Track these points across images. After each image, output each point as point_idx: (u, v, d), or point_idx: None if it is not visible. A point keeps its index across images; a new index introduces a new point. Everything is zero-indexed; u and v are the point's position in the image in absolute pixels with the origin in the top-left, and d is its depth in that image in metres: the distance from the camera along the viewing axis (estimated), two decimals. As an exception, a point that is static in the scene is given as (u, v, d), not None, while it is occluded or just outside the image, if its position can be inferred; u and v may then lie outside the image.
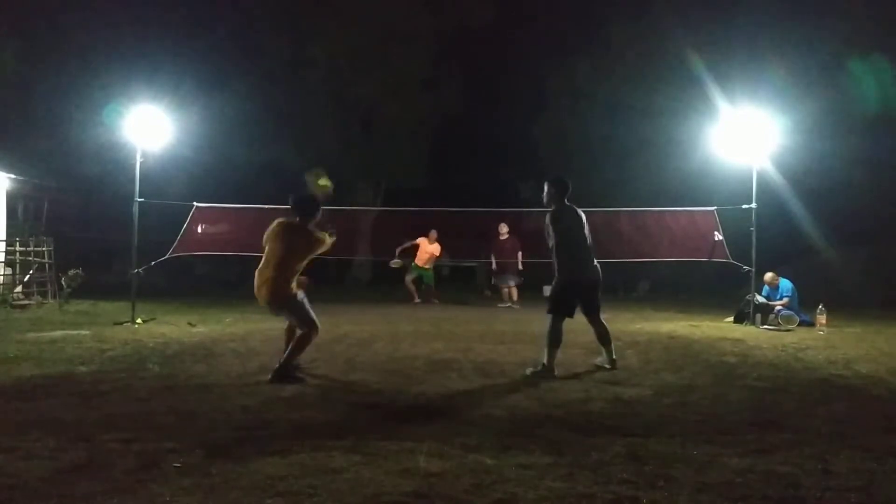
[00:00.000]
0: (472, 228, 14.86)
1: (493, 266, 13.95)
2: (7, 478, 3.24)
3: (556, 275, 6.28)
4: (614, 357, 6.38)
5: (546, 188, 6.41)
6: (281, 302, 5.79)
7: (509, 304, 13.59)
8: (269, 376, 5.62)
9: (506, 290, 13.88)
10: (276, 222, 5.96)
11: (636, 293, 17.31)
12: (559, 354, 6.11)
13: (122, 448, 3.70)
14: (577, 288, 6.24)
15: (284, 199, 6.15)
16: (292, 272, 5.76)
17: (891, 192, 15.42)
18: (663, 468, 3.43)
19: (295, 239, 5.79)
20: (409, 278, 14.23)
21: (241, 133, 17.89)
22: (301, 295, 5.85)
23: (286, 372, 5.65)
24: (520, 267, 13.62)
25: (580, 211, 6.37)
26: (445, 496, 3.07)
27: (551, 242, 6.25)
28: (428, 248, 14.05)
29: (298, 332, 5.84)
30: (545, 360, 6.03)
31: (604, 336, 6.38)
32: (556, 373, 5.97)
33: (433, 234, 14.06)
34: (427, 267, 14.18)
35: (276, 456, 3.57)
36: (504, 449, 3.74)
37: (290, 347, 5.80)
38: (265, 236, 5.90)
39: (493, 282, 14.89)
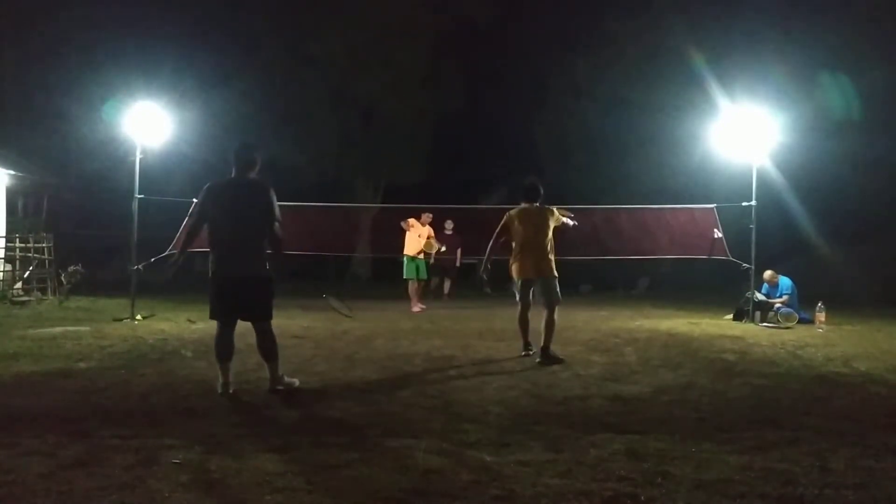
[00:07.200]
0: (472, 225, 14.83)
1: (431, 260, 13.39)
2: (6, 474, 3.24)
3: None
4: (280, 374, 5.14)
5: None
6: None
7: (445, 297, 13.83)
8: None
9: (445, 282, 14.09)
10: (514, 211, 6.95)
11: (636, 290, 17.26)
12: (225, 367, 5.03)
13: (121, 444, 3.71)
14: (220, 286, 5.08)
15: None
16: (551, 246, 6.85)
17: (890, 191, 15.42)
18: (662, 465, 3.43)
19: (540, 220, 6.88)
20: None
21: (241, 130, 17.80)
22: None
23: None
24: (457, 263, 13.83)
25: (259, 186, 5.03)
26: (444, 493, 3.07)
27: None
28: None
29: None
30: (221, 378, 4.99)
31: (269, 352, 5.11)
32: (231, 390, 4.96)
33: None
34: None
35: (275, 452, 3.58)
36: (502, 445, 3.75)
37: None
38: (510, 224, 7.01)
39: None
